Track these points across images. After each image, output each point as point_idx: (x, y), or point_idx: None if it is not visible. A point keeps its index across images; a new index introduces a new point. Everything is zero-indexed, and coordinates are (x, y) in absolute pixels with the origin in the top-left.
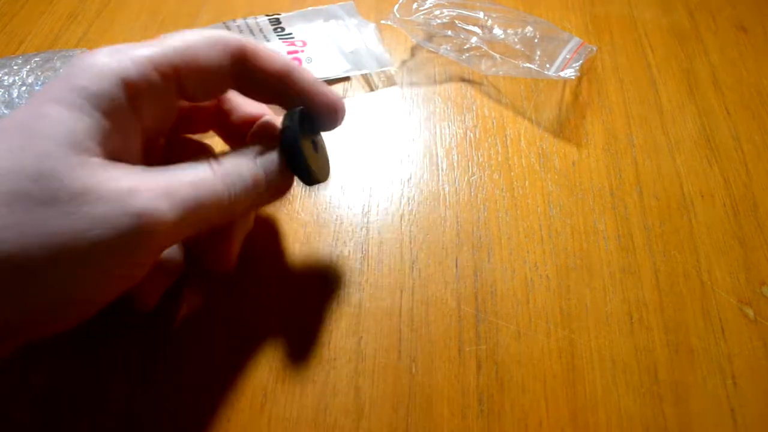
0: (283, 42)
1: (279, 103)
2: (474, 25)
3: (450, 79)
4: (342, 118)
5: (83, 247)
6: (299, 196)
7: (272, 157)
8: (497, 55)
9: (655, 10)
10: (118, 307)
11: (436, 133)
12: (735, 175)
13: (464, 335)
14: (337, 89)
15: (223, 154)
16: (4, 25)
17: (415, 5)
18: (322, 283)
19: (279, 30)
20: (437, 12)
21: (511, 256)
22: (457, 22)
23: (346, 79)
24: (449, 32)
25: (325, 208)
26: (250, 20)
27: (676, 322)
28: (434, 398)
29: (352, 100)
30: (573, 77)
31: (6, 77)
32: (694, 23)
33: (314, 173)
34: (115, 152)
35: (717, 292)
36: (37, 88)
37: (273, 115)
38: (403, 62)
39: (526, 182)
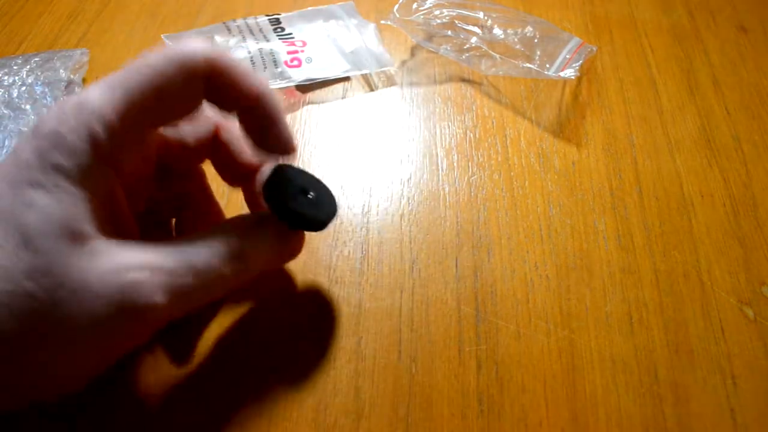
0: (283, 42)
1: (244, 124)
2: (474, 25)
3: (450, 79)
4: (293, 156)
5: (79, 332)
6: None
7: (274, 228)
8: (497, 55)
9: (655, 10)
10: None
11: (436, 133)
12: (735, 175)
13: (464, 335)
14: (337, 89)
15: (234, 227)
16: (4, 25)
17: (415, 5)
18: (322, 283)
19: (279, 30)
20: (437, 12)
21: (511, 256)
22: (457, 22)
23: (346, 79)
24: (449, 32)
25: None
26: (250, 20)
27: (676, 322)
28: (434, 398)
29: (352, 100)
30: (573, 77)
31: (6, 77)
32: (694, 23)
33: (315, 221)
34: (105, 216)
35: (717, 292)
36: (37, 88)
37: (270, 162)
38: (403, 62)
39: (526, 182)
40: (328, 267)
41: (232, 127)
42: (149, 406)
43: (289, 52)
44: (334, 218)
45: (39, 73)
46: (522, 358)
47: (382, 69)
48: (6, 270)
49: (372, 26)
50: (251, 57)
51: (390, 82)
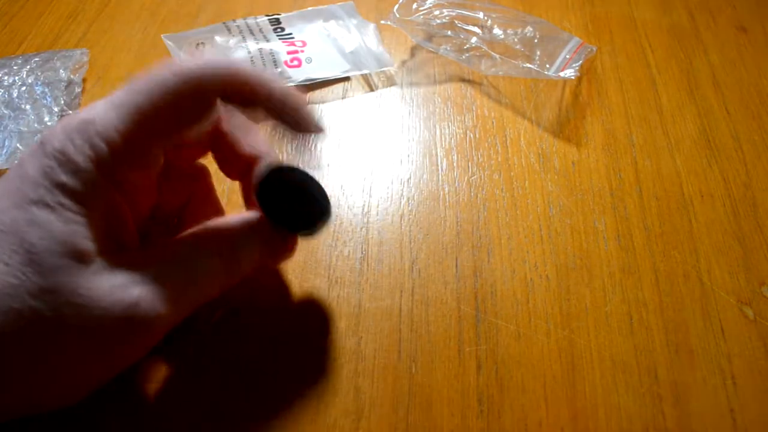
0: (283, 42)
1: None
2: (474, 25)
3: (450, 79)
4: (312, 131)
5: (84, 349)
6: None
7: (267, 229)
8: (497, 55)
9: (655, 10)
10: None
11: (436, 133)
12: (735, 175)
13: (464, 335)
14: (337, 89)
15: (228, 228)
16: (4, 25)
17: (415, 5)
18: (322, 283)
19: (279, 30)
20: (437, 12)
21: (511, 256)
22: (456, 22)
23: (346, 79)
24: (449, 32)
25: None
26: (250, 20)
27: (676, 322)
28: (434, 398)
29: (352, 100)
30: (573, 77)
31: (6, 77)
32: (694, 23)
33: (305, 226)
34: (108, 232)
35: (717, 292)
36: (37, 88)
37: (270, 153)
38: (403, 62)
39: (526, 182)
40: (327, 267)
41: (231, 118)
42: (148, 406)
43: (289, 52)
44: (327, 223)
45: (39, 73)
46: (522, 358)
47: (382, 69)
48: (12, 288)
49: (372, 26)
50: (251, 57)
51: (390, 82)
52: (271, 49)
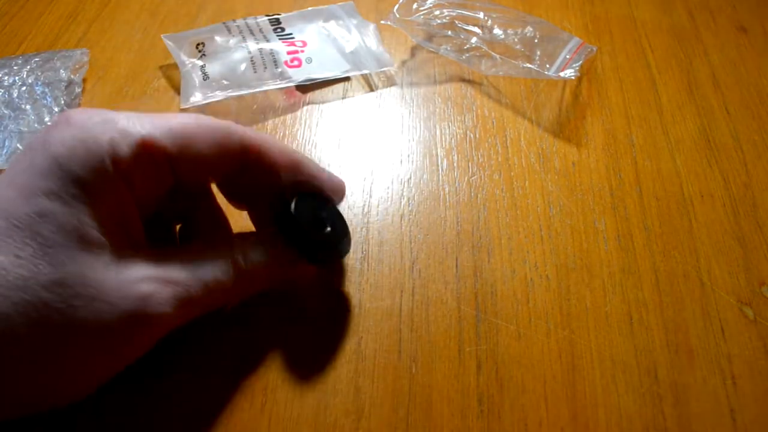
0: (283, 42)
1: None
2: (474, 25)
3: (450, 79)
4: (344, 196)
5: (91, 340)
6: None
7: (281, 249)
8: (497, 56)
9: (655, 10)
10: None
11: (436, 133)
12: (735, 175)
13: (464, 335)
14: (337, 89)
15: (242, 245)
16: (4, 25)
17: (415, 5)
18: (322, 283)
19: (279, 30)
20: (437, 12)
21: (511, 256)
22: (457, 22)
23: (346, 79)
24: (449, 32)
25: None
26: (250, 20)
27: (676, 322)
28: (434, 398)
29: (352, 100)
30: (573, 77)
31: (6, 77)
32: (694, 23)
33: (322, 259)
34: (118, 227)
35: (717, 292)
36: (37, 88)
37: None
38: (403, 62)
39: (526, 182)
40: (326, 268)
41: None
42: (148, 405)
43: (289, 52)
44: (343, 257)
45: (39, 74)
46: (522, 358)
47: (382, 69)
48: (24, 280)
49: (372, 26)
50: (251, 57)
51: (390, 82)
52: (271, 49)
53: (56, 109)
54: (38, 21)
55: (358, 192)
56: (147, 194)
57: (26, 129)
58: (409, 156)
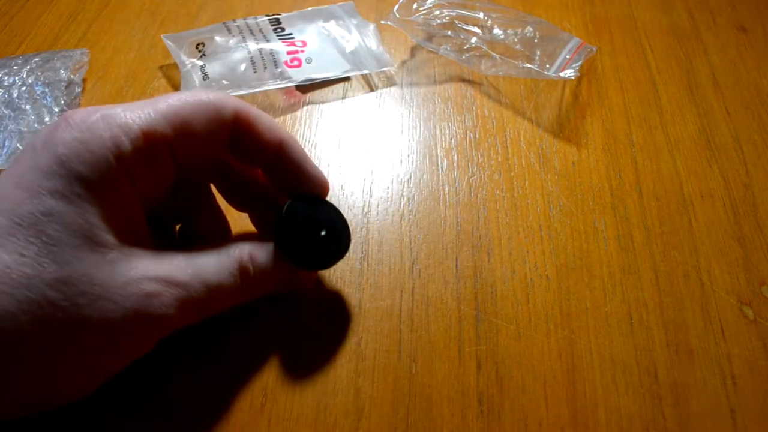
0: (283, 42)
1: (268, 171)
2: (474, 25)
3: (450, 79)
4: (326, 194)
5: (94, 338)
6: None
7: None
8: (497, 56)
9: (655, 10)
10: None
11: (436, 133)
12: (735, 175)
13: (464, 335)
14: (337, 89)
15: (251, 249)
16: (4, 25)
17: (415, 5)
18: (322, 283)
19: (279, 30)
20: (437, 12)
21: (511, 256)
22: (457, 22)
23: (346, 79)
24: (449, 32)
25: None
26: (250, 20)
27: (676, 322)
28: (434, 398)
29: (352, 100)
30: (573, 77)
31: (6, 77)
32: (694, 23)
33: (315, 261)
34: (122, 226)
35: (717, 292)
36: (37, 88)
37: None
38: (403, 62)
39: (526, 182)
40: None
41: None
42: (147, 405)
43: (289, 53)
44: (342, 257)
45: (39, 74)
46: (522, 358)
47: (382, 69)
48: (28, 278)
49: (372, 26)
50: (251, 57)
51: (390, 82)
52: (271, 49)
53: (56, 109)
54: (38, 21)
55: (358, 192)
56: (150, 190)
57: (26, 129)
58: (409, 156)
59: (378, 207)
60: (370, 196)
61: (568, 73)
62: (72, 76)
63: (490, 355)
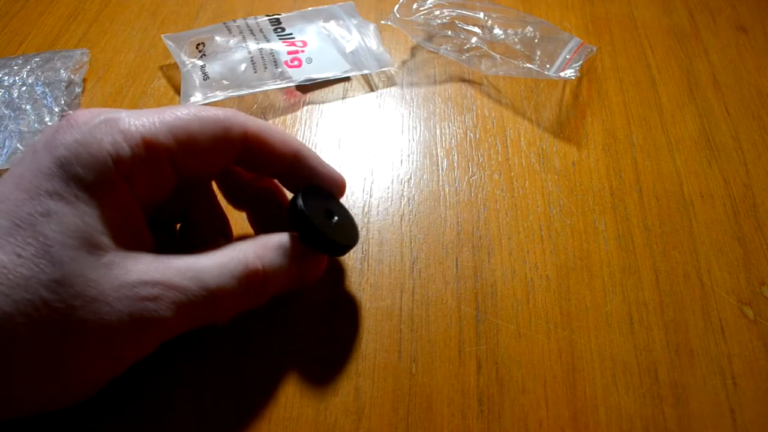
0: (283, 42)
1: (282, 179)
2: (474, 25)
3: (450, 79)
4: (344, 192)
5: (91, 341)
6: None
7: (296, 250)
8: (497, 56)
9: (655, 10)
10: None
11: (436, 133)
12: (735, 175)
13: (464, 335)
14: (337, 89)
15: (253, 247)
16: (4, 25)
17: (415, 5)
18: (321, 283)
19: (279, 30)
20: (437, 12)
21: (511, 256)
22: (457, 22)
23: (346, 79)
24: (449, 32)
25: None
26: (250, 20)
27: (676, 322)
28: (434, 398)
29: (353, 100)
30: (573, 77)
31: (6, 77)
32: (694, 23)
33: (338, 245)
34: (121, 228)
35: (717, 292)
36: (37, 88)
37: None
38: (403, 62)
39: (526, 182)
40: (327, 267)
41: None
42: (147, 406)
43: (289, 53)
44: (355, 245)
45: (39, 74)
46: (522, 358)
47: (382, 69)
48: (25, 279)
49: (372, 26)
50: (251, 57)
51: (390, 82)
52: (271, 49)
53: (56, 109)
54: (38, 21)
55: (358, 192)
56: (150, 194)
57: (26, 129)
58: (409, 156)
59: (378, 207)
60: (371, 196)
61: (569, 73)
62: (72, 76)
63: (490, 355)
